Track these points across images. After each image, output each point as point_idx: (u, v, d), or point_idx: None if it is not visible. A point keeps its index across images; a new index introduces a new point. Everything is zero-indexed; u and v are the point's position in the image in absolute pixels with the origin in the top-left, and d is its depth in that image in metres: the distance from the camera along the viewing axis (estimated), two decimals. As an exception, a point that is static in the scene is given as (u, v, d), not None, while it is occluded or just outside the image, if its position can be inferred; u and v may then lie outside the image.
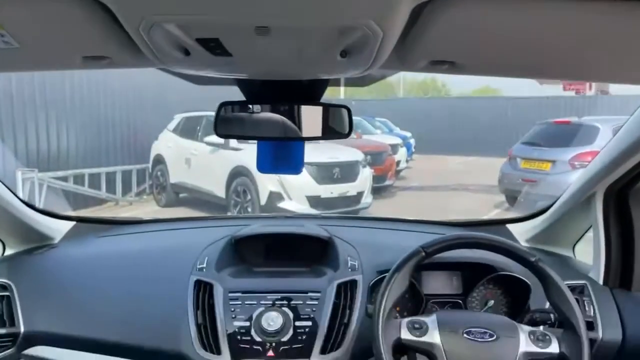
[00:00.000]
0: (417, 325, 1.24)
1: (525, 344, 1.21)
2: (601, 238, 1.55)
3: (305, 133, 1.22)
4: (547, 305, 1.48)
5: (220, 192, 7.59)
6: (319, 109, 1.22)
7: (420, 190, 10.65)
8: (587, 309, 1.47)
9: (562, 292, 1.23)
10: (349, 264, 1.53)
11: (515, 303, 1.56)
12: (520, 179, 7.66)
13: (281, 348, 1.31)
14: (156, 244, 1.82)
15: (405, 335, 1.22)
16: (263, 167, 1.29)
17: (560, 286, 1.23)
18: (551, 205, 1.78)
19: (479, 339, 1.21)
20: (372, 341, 1.21)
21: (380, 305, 1.23)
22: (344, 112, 1.25)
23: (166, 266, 1.60)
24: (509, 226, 1.96)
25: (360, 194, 7.52)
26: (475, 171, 12.25)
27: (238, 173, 7.31)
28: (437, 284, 1.60)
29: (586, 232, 1.80)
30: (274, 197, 6.93)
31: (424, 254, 1.27)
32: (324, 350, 1.32)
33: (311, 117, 1.23)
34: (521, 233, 1.93)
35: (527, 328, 1.25)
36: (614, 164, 1.41)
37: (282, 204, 6.86)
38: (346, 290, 1.44)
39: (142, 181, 9.92)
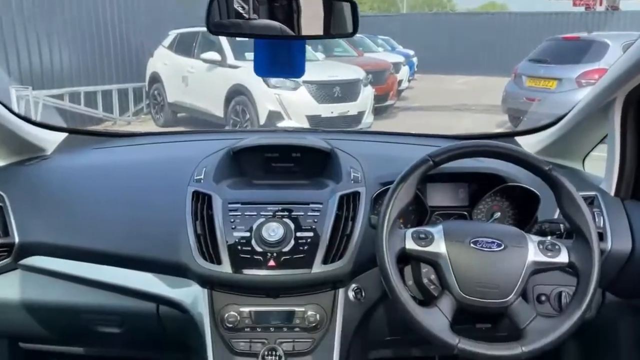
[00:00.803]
0: (422, 235, 1.19)
1: (534, 253, 1.17)
2: (616, 147, 1.48)
3: (305, 31, 1.12)
4: (556, 216, 1.44)
5: (219, 112, 7.45)
6: (320, 2, 1.11)
7: (422, 111, 10.48)
8: (596, 219, 1.43)
9: (575, 201, 1.18)
10: (352, 176, 1.47)
11: (523, 215, 1.52)
12: (524, 97, 7.48)
13: (282, 258, 1.28)
14: (152, 156, 1.75)
15: (410, 245, 1.19)
16: (260, 69, 1.19)
17: (574, 195, 1.18)
18: (563, 117, 1.70)
19: (486, 249, 1.17)
20: (375, 251, 1.17)
21: (384, 215, 1.18)
22: (349, 7, 1.14)
23: (163, 177, 1.55)
24: (518, 139, 1.89)
25: (361, 114, 7.38)
26: (479, 91, 12.02)
27: (236, 92, 7.13)
28: (442, 195, 1.55)
29: (599, 143, 1.73)
30: (274, 116, 6.80)
31: (431, 163, 1.21)
32: (325, 260, 1.29)
33: (312, 13, 1.12)
34: (530, 145, 1.86)
35: (536, 238, 1.21)
36: (636, 68, 1.32)
37: (281, 124, 6.74)
38: (349, 202, 1.39)
39: (139, 100, 9.74)
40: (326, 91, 7.07)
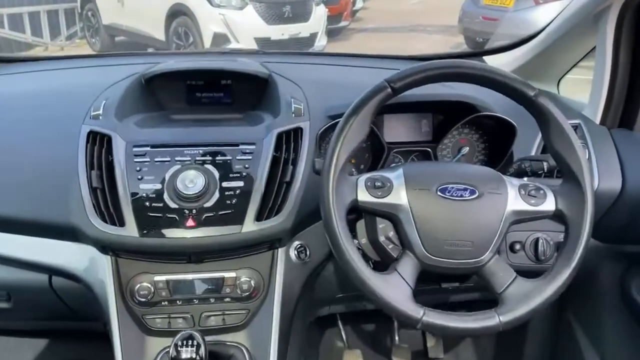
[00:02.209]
0: (378, 183, 0.94)
1: (515, 201, 0.95)
2: (607, 65, 1.25)
3: None
4: (534, 152, 1.22)
5: (160, 35, 6.83)
6: None
7: (377, 32, 10.04)
8: None
9: (566, 135, 0.94)
10: (293, 108, 1.19)
11: (494, 150, 1.30)
12: (480, 17, 7.16)
13: (204, 216, 1.01)
14: (46, 86, 1.40)
15: (363, 196, 0.94)
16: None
17: (565, 127, 0.94)
18: (540, 32, 1.45)
19: (457, 197, 0.94)
20: (320, 204, 0.92)
21: (331, 158, 0.91)
22: None
23: (54, 116, 1.22)
24: (487, 58, 1.63)
25: (313, 36, 6.92)
26: (434, 11, 11.60)
27: (177, 12, 6.53)
28: (402, 129, 1.30)
29: (579, 61, 1.50)
30: (219, 39, 6.28)
31: (390, 90, 0.94)
32: (260, 216, 1.03)
33: None
34: (501, 67, 1.62)
35: (517, 181, 0.99)
36: None
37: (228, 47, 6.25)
38: (288, 140, 1.12)
39: (72, 23, 8.89)
40: (276, 10, 6.54)
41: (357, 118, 0.92)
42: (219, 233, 1.01)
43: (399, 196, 0.94)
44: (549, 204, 0.95)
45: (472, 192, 0.94)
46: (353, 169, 1.10)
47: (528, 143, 1.22)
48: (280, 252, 1.11)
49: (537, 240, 1.20)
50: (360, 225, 1.03)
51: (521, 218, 0.95)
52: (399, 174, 0.96)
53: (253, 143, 1.10)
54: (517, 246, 1.20)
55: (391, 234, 0.97)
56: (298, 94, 1.25)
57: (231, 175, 1.05)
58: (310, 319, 1.53)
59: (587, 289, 1.39)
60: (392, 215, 0.95)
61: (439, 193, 0.94)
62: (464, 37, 7.82)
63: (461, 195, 0.94)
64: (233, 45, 6.25)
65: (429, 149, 1.27)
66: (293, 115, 1.18)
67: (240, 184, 1.04)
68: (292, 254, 1.12)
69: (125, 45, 7.83)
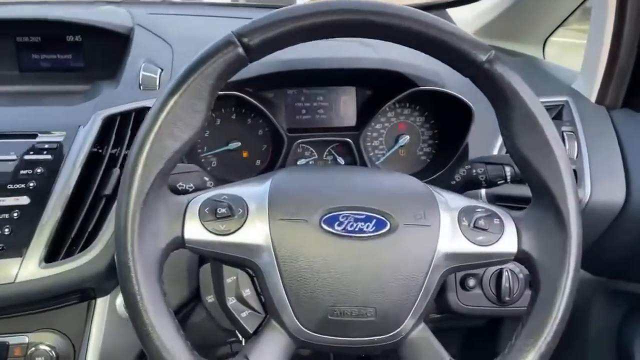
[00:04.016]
0: (222, 209, 0.56)
1: (451, 237, 0.57)
2: (608, 19, 0.85)
3: None
4: (496, 151, 0.85)
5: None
6: None
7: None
8: (567, 145, 0.84)
9: (538, 125, 0.55)
10: (141, 77, 0.81)
11: (445, 141, 0.92)
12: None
13: None
14: None
15: (195, 231, 0.55)
16: None
17: (534, 112, 0.55)
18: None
19: (353, 233, 0.56)
20: (115, 242, 0.53)
21: (135, 163, 0.52)
22: None
23: None
24: (451, 11, 1.23)
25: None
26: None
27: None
28: (311, 110, 0.91)
29: (569, 16, 1.10)
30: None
31: (241, 51, 0.54)
32: (53, 254, 0.65)
33: None
34: (467, 23, 1.22)
35: (459, 201, 0.60)
36: None
37: None
38: (123, 128, 0.74)
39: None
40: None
41: (182, 98, 0.53)
42: None
43: (257, 230, 0.55)
44: (506, 243, 0.57)
45: (380, 224, 0.56)
46: (206, 178, 0.71)
47: (489, 136, 0.84)
48: (101, 303, 0.73)
49: (499, 273, 0.82)
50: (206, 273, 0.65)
51: (460, 264, 0.58)
52: (261, 192, 0.58)
53: (60, 132, 0.71)
54: (471, 281, 0.82)
55: (247, 292, 0.60)
56: (161, 56, 0.86)
57: (10, 186, 0.66)
58: None
59: (572, 335, 1.02)
60: (245, 263, 0.57)
61: (323, 225, 0.56)
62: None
63: (360, 230, 0.56)
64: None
65: (349, 139, 0.88)
66: (141, 88, 0.79)
67: (23, 200, 0.65)
68: (121, 303, 0.74)
69: None
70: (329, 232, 0.55)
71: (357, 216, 0.56)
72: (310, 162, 0.91)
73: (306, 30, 0.53)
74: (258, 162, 0.91)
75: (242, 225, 0.55)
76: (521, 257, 0.57)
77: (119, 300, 0.73)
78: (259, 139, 0.90)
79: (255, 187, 0.59)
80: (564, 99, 0.89)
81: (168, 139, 0.52)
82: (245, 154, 0.91)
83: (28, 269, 0.63)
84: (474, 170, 0.72)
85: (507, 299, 0.82)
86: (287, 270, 0.54)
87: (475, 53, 0.53)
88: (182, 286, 0.75)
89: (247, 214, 0.56)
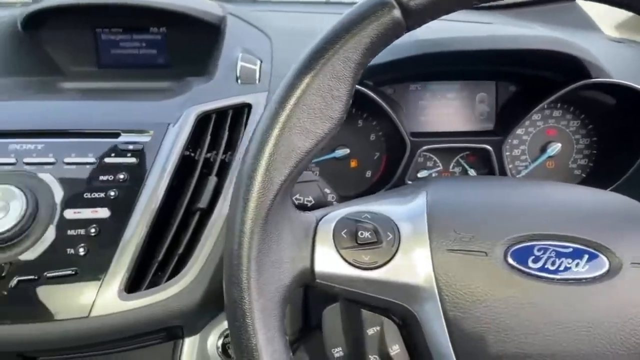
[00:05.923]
0: (365, 233, 0.40)
1: None
2: None
3: None
4: None
5: None
6: None
7: None
8: None
9: None
10: (239, 70, 0.67)
11: (608, 152, 0.73)
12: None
13: (16, 280, 0.50)
14: None
15: (329, 263, 0.40)
16: None
17: None
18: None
19: (557, 272, 0.39)
20: (224, 273, 0.38)
21: (253, 169, 0.37)
22: None
23: None
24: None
25: None
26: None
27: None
28: (440, 111, 0.74)
29: None
30: None
31: (397, 12, 0.38)
32: (136, 284, 0.52)
33: None
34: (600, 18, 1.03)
35: None
36: None
37: None
38: (219, 128, 0.61)
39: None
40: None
41: (318, 79, 0.38)
42: (45, 319, 0.50)
43: (414, 265, 0.39)
44: None
45: (596, 263, 0.39)
46: (327, 190, 0.55)
47: None
48: (189, 343, 0.59)
49: None
50: (331, 318, 0.49)
51: None
52: (417, 210, 0.42)
53: (146, 132, 0.58)
54: None
55: (395, 349, 0.43)
56: (258, 47, 0.72)
57: (88, 195, 0.53)
58: None
59: None
60: (395, 308, 0.41)
61: (510, 261, 0.39)
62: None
63: (567, 269, 0.39)
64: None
65: (489, 147, 0.71)
66: (238, 81, 0.66)
67: (103, 212, 0.52)
68: (213, 344, 0.59)
69: None
70: (519, 270, 0.39)
71: (559, 249, 0.39)
72: (434, 174, 0.75)
73: None
74: (368, 173, 0.76)
75: (392, 257, 0.40)
76: None
77: (211, 340, 0.59)
78: (370, 146, 0.75)
79: (404, 203, 0.43)
80: None
81: (298, 135, 0.37)
82: (353, 163, 0.76)
83: (105, 299, 0.50)
84: None
85: None
86: (457, 324, 0.38)
87: None
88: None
89: (399, 241, 0.40)
